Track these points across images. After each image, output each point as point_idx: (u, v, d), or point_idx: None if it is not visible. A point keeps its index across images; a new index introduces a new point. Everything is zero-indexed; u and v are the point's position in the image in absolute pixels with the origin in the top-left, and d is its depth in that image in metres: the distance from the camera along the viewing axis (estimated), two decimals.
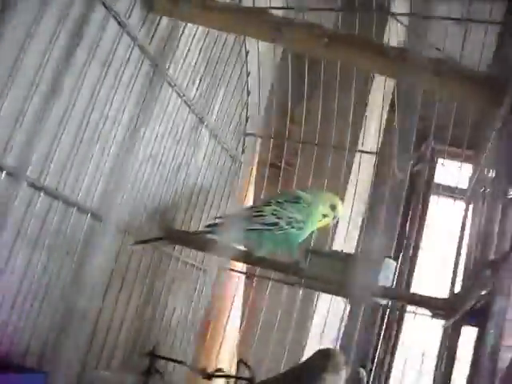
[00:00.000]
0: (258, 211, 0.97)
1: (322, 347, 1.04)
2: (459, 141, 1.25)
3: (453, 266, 1.14)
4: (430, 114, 1.25)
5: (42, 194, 0.74)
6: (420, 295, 0.99)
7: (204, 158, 1.13)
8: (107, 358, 0.92)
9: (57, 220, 0.78)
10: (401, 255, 2.57)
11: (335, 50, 0.77)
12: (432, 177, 3.35)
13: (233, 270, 1.28)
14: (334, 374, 1.00)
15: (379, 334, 2.80)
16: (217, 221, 0.97)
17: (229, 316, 1.30)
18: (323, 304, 1.94)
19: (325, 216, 1.04)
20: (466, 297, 0.86)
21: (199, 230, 0.96)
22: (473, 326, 0.89)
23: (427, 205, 3.28)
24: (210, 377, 0.73)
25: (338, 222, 1.08)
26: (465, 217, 1.12)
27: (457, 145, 1.29)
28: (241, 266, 1.33)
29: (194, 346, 1.21)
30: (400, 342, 2.38)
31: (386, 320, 2.76)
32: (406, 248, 2.98)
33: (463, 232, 1.10)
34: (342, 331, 2.81)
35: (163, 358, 0.82)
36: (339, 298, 2.45)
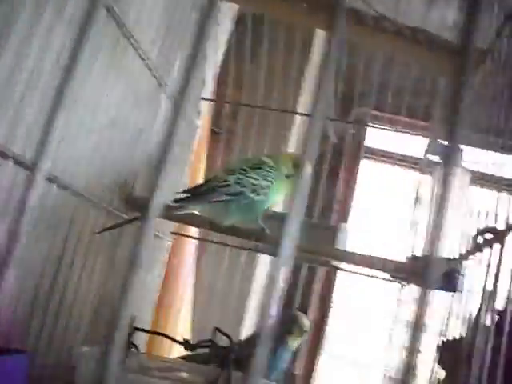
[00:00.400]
0: (222, 181, 0.95)
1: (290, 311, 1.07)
2: (389, 107, 1.28)
3: (410, 230, 1.18)
4: (366, 79, 1.27)
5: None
6: (382, 258, 1.02)
7: (163, 122, 1.10)
8: (73, 333, 0.89)
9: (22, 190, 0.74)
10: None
11: (314, 16, 0.76)
12: (362, 140, 3.43)
13: (187, 236, 1.27)
14: (298, 336, 1.03)
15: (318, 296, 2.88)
16: (183, 195, 0.95)
17: (185, 283, 1.30)
18: (262, 268, 1.97)
19: (288, 176, 1.03)
20: (435, 261, 0.89)
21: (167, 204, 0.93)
22: (440, 290, 0.92)
23: (358, 168, 3.37)
24: (193, 348, 0.72)
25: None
26: (418, 186, 1.17)
27: (387, 110, 1.31)
28: (195, 232, 1.32)
29: (152, 315, 1.20)
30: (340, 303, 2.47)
31: (321, 281, 2.84)
32: (338, 211, 3.05)
33: (418, 199, 1.15)
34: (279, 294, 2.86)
35: (142, 330, 0.80)
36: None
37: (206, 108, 1.32)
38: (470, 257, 0.74)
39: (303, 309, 1.44)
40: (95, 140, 0.88)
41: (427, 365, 0.91)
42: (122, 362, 0.67)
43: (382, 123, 1.80)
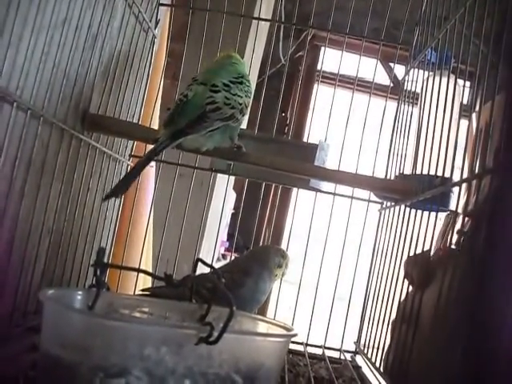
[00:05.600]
0: (210, 103, 0.82)
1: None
2: (342, 28, 1.19)
3: (390, 151, 1.11)
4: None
5: None
6: (370, 177, 0.95)
7: (119, 29, 0.95)
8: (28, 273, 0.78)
9: None
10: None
11: None
12: (315, 64, 3.32)
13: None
14: (283, 270, 0.96)
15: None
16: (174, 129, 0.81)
17: (145, 212, 1.19)
18: (217, 194, 1.88)
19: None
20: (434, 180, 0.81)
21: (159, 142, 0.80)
22: (431, 211, 0.86)
23: (310, 91, 3.27)
24: (177, 285, 0.62)
25: None
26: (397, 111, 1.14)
27: (339, 32, 1.22)
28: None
29: (113, 245, 1.09)
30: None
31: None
32: (287, 132, 2.97)
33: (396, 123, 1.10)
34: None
35: (114, 266, 0.69)
36: (230, 188, 2.42)
37: (165, 16, 1.17)
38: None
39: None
40: (44, 42, 0.73)
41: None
42: (92, 304, 0.57)
43: (337, 46, 1.68)
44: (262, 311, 2.12)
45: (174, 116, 0.82)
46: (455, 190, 0.83)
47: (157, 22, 1.11)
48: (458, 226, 0.85)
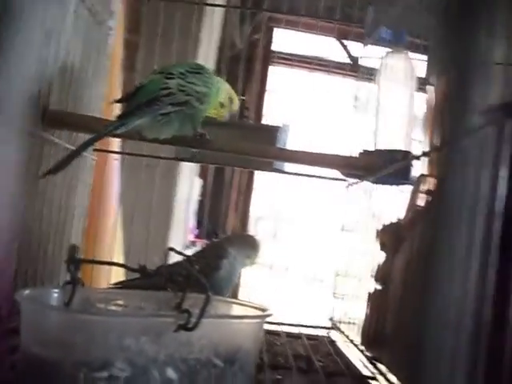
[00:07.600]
0: (164, 88, 0.83)
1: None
2: (297, 10, 1.20)
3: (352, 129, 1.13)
4: None
5: None
6: (334, 155, 0.96)
7: (73, 23, 0.94)
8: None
9: None
10: None
11: None
12: (269, 45, 3.33)
13: (114, 152, 1.15)
14: (253, 260, 0.98)
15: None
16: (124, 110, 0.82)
17: (111, 206, 1.19)
18: (183, 182, 1.88)
19: (222, 105, 0.95)
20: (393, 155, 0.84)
21: (107, 123, 0.81)
22: (393, 185, 0.88)
23: (266, 72, 3.28)
24: (152, 275, 0.63)
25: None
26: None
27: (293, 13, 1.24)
28: (118, 147, 1.20)
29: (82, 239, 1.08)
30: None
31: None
32: (246, 115, 2.98)
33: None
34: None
35: (87, 261, 0.69)
36: (195, 175, 2.42)
37: (120, 7, 1.16)
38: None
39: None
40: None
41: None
42: (69, 301, 0.57)
43: (294, 27, 1.69)
44: (234, 295, 2.14)
45: (128, 101, 0.83)
46: (415, 163, 0.86)
47: (111, 15, 1.10)
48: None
